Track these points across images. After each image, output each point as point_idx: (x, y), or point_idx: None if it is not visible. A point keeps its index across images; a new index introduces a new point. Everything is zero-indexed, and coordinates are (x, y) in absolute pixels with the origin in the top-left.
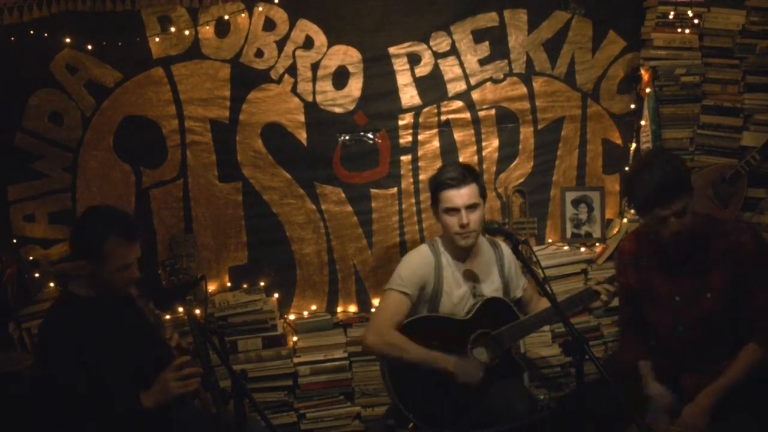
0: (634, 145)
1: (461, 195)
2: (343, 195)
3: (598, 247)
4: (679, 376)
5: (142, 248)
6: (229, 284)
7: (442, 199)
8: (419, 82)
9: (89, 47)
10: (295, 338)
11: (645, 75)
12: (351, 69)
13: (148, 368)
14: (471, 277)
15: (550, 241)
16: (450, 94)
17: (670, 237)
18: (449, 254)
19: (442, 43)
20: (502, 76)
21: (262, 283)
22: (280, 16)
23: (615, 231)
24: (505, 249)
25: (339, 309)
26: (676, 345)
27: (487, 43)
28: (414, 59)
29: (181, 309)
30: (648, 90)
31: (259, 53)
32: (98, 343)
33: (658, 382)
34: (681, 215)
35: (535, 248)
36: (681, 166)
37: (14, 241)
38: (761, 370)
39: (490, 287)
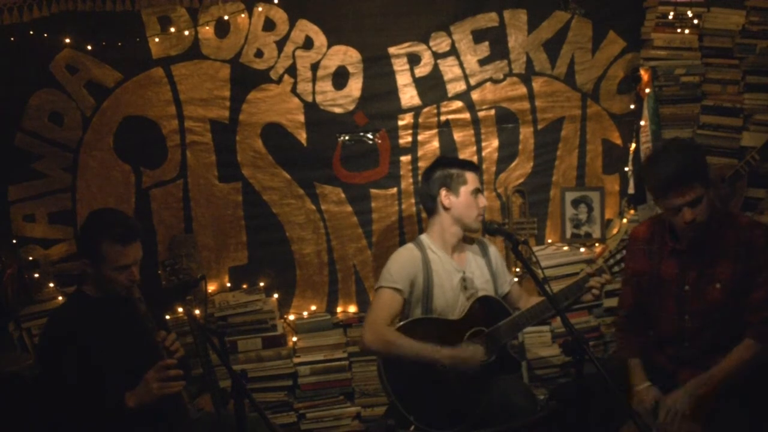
0: (634, 145)
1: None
2: (343, 195)
3: (598, 247)
4: (676, 370)
5: (142, 249)
6: (229, 284)
7: (470, 180)
8: (419, 83)
9: (89, 47)
10: (295, 338)
11: (645, 75)
12: (351, 69)
13: (143, 370)
14: (461, 269)
15: (549, 241)
16: (450, 95)
17: (683, 226)
18: (438, 248)
19: (441, 43)
20: (501, 77)
21: (262, 283)
22: (279, 16)
23: (615, 231)
24: (490, 245)
25: (339, 309)
26: (678, 335)
27: (486, 43)
28: (414, 59)
29: (181, 309)
30: (648, 90)
31: (259, 53)
32: (97, 341)
33: (647, 378)
34: (695, 205)
35: (534, 248)
36: (699, 155)
37: (14, 241)
38: (757, 364)
39: (481, 279)
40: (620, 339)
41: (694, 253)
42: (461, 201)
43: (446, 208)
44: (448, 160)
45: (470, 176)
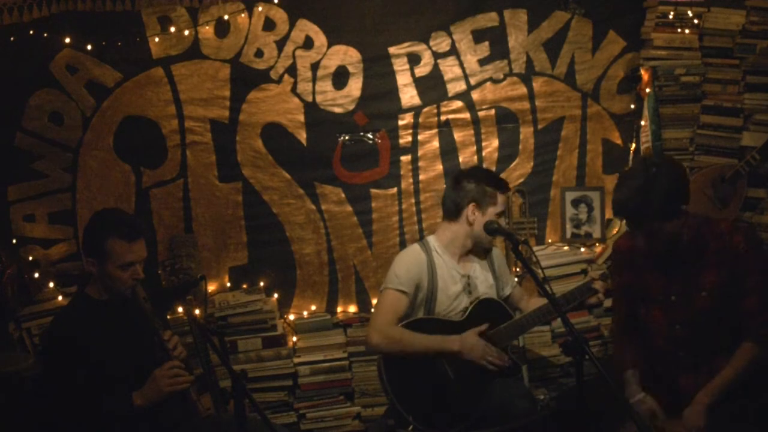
0: (634, 145)
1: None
2: (343, 195)
3: (598, 247)
4: (676, 378)
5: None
6: (229, 284)
7: (500, 203)
8: (419, 82)
9: (89, 47)
10: (295, 338)
11: (645, 75)
12: (351, 69)
13: (147, 370)
14: (465, 274)
15: (550, 241)
16: (450, 94)
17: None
18: (444, 252)
19: (442, 43)
20: (502, 76)
21: (262, 283)
22: (280, 16)
23: (615, 231)
24: (493, 248)
25: (339, 309)
26: (671, 344)
27: (487, 43)
28: (414, 59)
29: (181, 309)
30: (648, 90)
31: (259, 53)
32: (102, 343)
33: (641, 387)
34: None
35: (535, 248)
36: (648, 186)
37: (14, 241)
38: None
39: (485, 284)
40: (615, 350)
41: (678, 263)
42: (485, 220)
43: (469, 223)
44: (486, 175)
45: (501, 199)
